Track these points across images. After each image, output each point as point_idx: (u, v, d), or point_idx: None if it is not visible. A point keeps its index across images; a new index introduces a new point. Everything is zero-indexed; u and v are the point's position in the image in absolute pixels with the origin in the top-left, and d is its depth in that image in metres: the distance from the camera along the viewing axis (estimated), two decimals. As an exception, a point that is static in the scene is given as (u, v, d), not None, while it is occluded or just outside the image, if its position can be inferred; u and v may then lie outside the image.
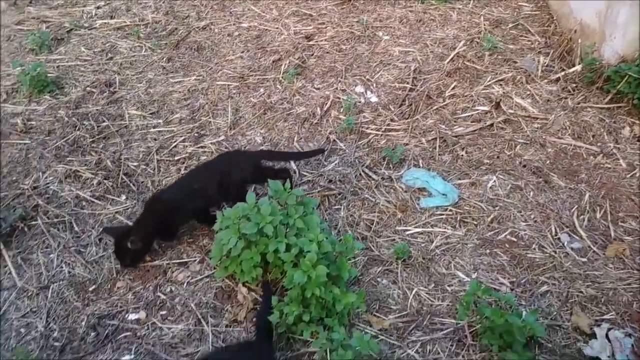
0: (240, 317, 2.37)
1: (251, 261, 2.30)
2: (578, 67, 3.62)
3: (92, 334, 2.31)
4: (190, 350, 2.25)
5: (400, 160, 3.11)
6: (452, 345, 2.28)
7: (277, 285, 2.45)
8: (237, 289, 2.48)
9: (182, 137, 3.30)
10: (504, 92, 3.53)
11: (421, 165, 3.12)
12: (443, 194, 2.93)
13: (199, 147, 3.23)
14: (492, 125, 3.34)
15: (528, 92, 3.54)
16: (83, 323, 2.34)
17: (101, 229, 2.67)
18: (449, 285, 2.51)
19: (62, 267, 2.56)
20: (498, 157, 3.16)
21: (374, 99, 3.60)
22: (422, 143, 3.25)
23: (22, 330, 2.33)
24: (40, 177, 2.99)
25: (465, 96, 3.54)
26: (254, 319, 2.32)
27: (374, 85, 3.70)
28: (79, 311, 2.39)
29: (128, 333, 2.31)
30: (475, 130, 3.32)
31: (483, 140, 3.27)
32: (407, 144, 3.23)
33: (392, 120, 3.42)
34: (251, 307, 2.40)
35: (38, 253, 2.61)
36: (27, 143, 3.22)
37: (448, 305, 2.43)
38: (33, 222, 2.74)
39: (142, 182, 3.00)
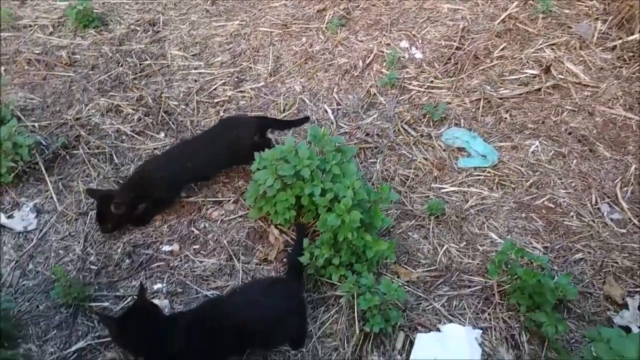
0: (271, 257, 2.40)
1: (286, 203, 2.31)
2: (637, 36, 3.43)
3: (127, 260, 2.38)
4: (220, 284, 2.30)
5: (441, 119, 3.05)
6: (478, 303, 2.27)
7: (308, 230, 2.46)
8: (269, 230, 2.50)
9: (222, 81, 3.29)
10: (555, 57, 3.38)
11: (462, 125, 3.05)
12: (482, 156, 2.87)
13: (238, 92, 3.23)
14: (539, 89, 3.22)
15: (581, 59, 3.39)
16: (119, 250, 2.41)
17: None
18: (480, 245, 2.48)
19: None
20: (543, 122, 3.06)
21: (418, 55, 3.50)
22: (465, 103, 3.17)
23: (61, 252, 2.42)
24: (82, 109, 3.05)
25: (514, 58, 3.41)
26: (285, 259, 2.35)
27: (420, 41, 3.59)
28: (115, 239, 2.46)
29: (161, 263, 2.37)
30: (521, 94, 3.21)
31: (529, 104, 3.16)
32: (449, 103, 3.16)
33: (435, 77, 3.33)
34: (282, 248, 2.43)
35: (78, 181, 2.68)
36: (71, 76, 3.27)
37: (478, 264, 2.41)
38: (75, 152, 2.80)
39: (182, 121, 3.02)
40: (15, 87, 3.18)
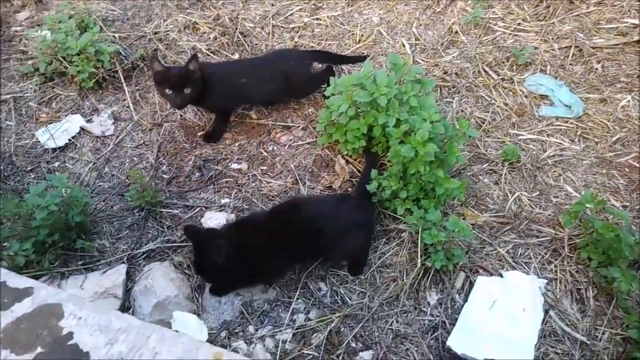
0: (335, 186, 2.40)
1: (357, 131, 2.27)
2: None
3: (197, 173, 2.44)
4: (284, 206, 2.32)
5: (525, 64, 2.86)
6: (545, 253, 2.19)
7: (377, 162, 2.42)
8: (335, 159, 2.49)
9: (299, 7, 3.21)
10: (662, 6, 3.07)
11: (548, 72, 2.85)
12: (567, 105, 2.69)
13: (314, 19, 3.14)
14: (639, 41, 2.95)
15: (692, 10, 3.06)
16: (190, 163, 2.47)
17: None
18: (554, 197, 2.37)
19: (174, 110, 2.67)
20: (639, 76, 2.82)
21: (507, -6, 3.27)
22: (553, 49, 2.95)
23: (135, 159, 2.50)
24: (161, 24, 3.07)
25: (614, 6, 3.13)
26: (352, 188, 2.34)
27: (510, -20, 3.34)
28: (187, 152, 2.52)
29: (229, 179, 2.42)
30: (617, 44, 2.95)
31: (624, 56, 2.91)
32: (536, 48, 2.95)
33: (524, 20, 3.11)
34: (347, 178, 2.42)
35: (154, 93, 2.73)
36: (151, -10, 3.28)
37: (549, 215, 2.31)
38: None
39: (256, 44, 2.99)
40: (98, -2, 3.23)
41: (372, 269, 2.12)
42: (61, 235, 2.04)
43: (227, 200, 2.33)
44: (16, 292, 1.17)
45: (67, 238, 2.08)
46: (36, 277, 1.99)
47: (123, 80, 2.74)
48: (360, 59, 2.77)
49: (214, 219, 2.18)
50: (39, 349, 1.08)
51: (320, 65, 2.70)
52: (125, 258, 2.08)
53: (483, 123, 2.63)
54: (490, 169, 2.46)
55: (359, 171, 2.43)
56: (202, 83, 2.31)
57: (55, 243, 2.02)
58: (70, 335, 1.10)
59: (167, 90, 2.26)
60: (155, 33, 3.00)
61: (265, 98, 2.61)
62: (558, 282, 2.10)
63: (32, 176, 2.41)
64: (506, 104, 2.72)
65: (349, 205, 2.09)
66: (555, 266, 2.15)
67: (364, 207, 2.12)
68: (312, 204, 2.15)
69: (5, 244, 1.98)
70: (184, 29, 3.03)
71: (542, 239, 2.23)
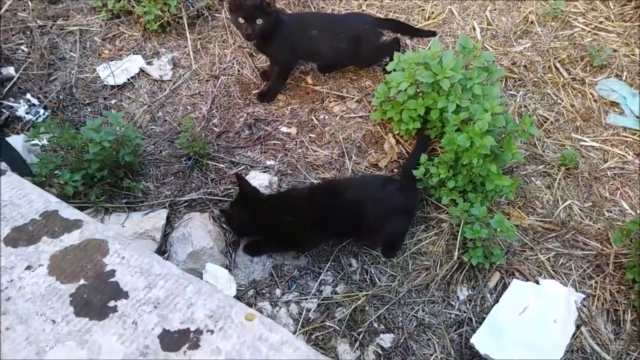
0: (381, 164, 2.36)
1: (413, 112, 2.21)
2: None
3: (247, 131, 2.44)
4: (327, 176, 2.31)
5: (601, 66, 2.70)
6: (588, 268, 2.11)
7: (427, 147, 2.37)
8: (385, 137, 2.44)
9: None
10: None
11: (624, 78, 2.69)
12: (637, 117, 2.54)
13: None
14: None
15: None
16: (241, 120, 2.47)
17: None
18: (607, 211, 2.27)
19: (233, 64, 2.66)
20: None
21: (593, -11, 3.07)
22: (634, 54, 2.77)
23: (189, 107, 2.52)
24: (231, -26, 3.03)
25: None
26: (399, 168, 2.30)
27: (600, -26, 3.13)
28: (240, 108, 2.52)
29: (277, 142, 2.41)
30: None
31: None
32: (615, 50, 2.78)
33: (606, 18, 2.92)
34: (394, 158, 2.37)
35: (215, 44, 2.73)
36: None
37: (599, 229, 2.22)
38: (217, 15, 2.83)
39: (322, 7, 2.93)
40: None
41: (405, 254, 2.10)
42: (110, 172, 2.09)
43: (272, 162, 2.34)
44: (66, 223, 1.21)
45: (115, 175, 2.13)
46: (81, 209, 2.06)
47: (187, 27, 2.74)
48: (431, 33, 2.69)
49: (257, 179, 2.18)
50: (82, 281, 1.13)
51: (387, 37, 2.63)
52: (167, 203, 2.13)
53: (545, 122, 2.52)
54: (545, 172, 2.37)
55: (407, 152, 2.38)
56: (275, 23, 2.29)
57: (104, 178, 2.08)
58: (112, 272, 1.13)
59: (240, 20, 2.24)
60: (223, -18, 2.96)
61: (329, 57, 2.55)
62: (596, 299, 2.03)
63: (89, 110, 2.47)
64: (573, 106, 2.59)
65: (392, 188, 2.06)
66: (596, 282, 2.07)
67: (407, 192, 2.09)
68: (356, 183, 2.14)
69: (56, 172, 2.05)
70: (253, -18, 2.98)
71: (587, 252, 2.15)
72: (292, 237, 1.99)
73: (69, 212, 1.26)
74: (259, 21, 2.24)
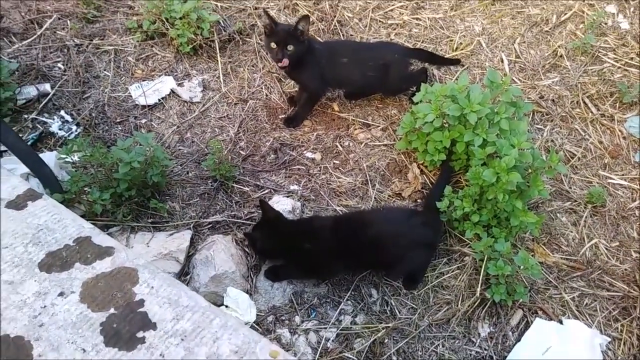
0: (405, 194, 2.36)
1: (439, 144, 2.22)
2: None
3: (272, 155, 2.47)
4: (350, 203, 2.31)
5: (631, 102, 2.68)
6: (614, 310, 2.07)
7: (452, 179, 2.36)
8: (410, 166, 2.44)
9: (401, 3, 3.14)
10: None
11: (655, 115, 2.66)
12: (668, 156, 2.50)
13: (414, 18, 3.07)
14: None
15: None
16: (267, 144, 2.50)
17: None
18: (635, 251, 2.23)
19: (261, 89, 2.71)
20: None
21: (625, 25, 3.05)
22: (665, 92, 2.74)
23: (217, 129, 2.56)
24: (263, 0, 3.10)
25: None
26: (423, 199, 2.30)
27: (632, 9, 3.11)
28: (266, 132, 2.55)
29: (302, 167, 2.43)
30: None
31: None
32: (646, 87, 2.75)
33: (638, 55, 2.90)
34: (418, 188, 2.37)
35: (245, 68, 2.78)
36: (258, -35, 3.31)
37: (626, 270, 2.18)
38: (248, 39, 2.89)
39: (352, 35, 2.96)
40: (207, -35, 3.29)
41: (427, 287, 2.08)
42: (138, 191, 2.13)
43: (296, 187, 2.35)
44: (99, 250, 1.24)
45: (143, 195, 2.17)
46: (108, 227, 2.11)
47: (218, 50, 2.80)
48: (456, 61, 2.73)
49: (281, 204, 2.20)
50: (112, 310, 1.14)
51: (415, 67, 2.66)
52: (191, 225, 2.15)
53: (572, 158, 2.50)
54: (571, 209, 2.34)
55: (431, 183, 2.38)
56: (307, 49, 2.33)
57: (131, 197, 2.12)
58: (141, 302, 1.15)
59: (272, 44, 2.30)
60: (256, 8, 3.03)
61: (358, 84, 2.59)
62: (622, 343, 1.99)
63: (120, 128, 2.52)
64: (601, 142, 2.56)
65: (415, 221, 2.05)
66: (622, 325, 2.03)
67: (430, 225, 2.08)
68: (379, 216, 2.14)
69: (86, 189, 2.09)
70: (284, 8, 3.04)
71: (613, 293, 2.11)
72: (313, 265, 2.00)
73: (101, 238, 1.29)
74: (290, 47, 2.29)
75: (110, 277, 1.19)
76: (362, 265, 2.05)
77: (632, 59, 2.88)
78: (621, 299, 2.10)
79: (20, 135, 2.38)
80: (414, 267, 2.06)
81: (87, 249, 1.24)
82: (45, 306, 1.14)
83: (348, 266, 2.02)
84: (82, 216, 2.08)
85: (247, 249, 2.11)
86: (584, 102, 2.69)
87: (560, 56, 2.90)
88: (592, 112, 2.66)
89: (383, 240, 1.95)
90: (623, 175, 2.45)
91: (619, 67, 2.85)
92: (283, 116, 2.60)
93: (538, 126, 2.61)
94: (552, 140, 2.55)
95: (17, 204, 1.35)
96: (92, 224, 2.06)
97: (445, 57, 2.82)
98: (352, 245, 1.93)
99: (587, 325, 2.02)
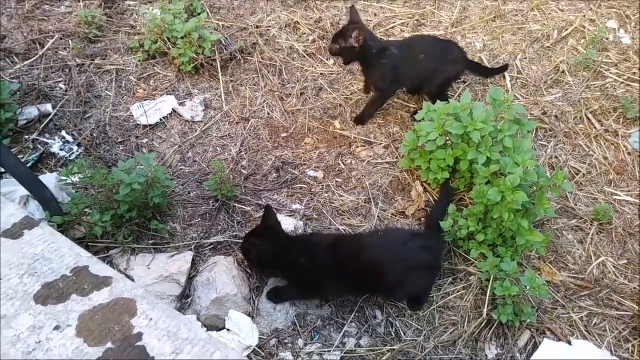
0: (409, 212, 2.33)
1: (442, 162, 2.20)
2: None
3: (275, 174, 2.45)
4: (353, 222, 2.29)
5: (635, 118, 2.66)
6: (624, 330, 2.03)
7: (455, 197, 2.34)
8: (413, 184, 2.42)
9: (402, 21, 3.15)
10: None
11: (659, 131, 2.64)
12: (674, 171, 2.47)
13: (415, 35, 3.07)
14: None
15: None
16: (269, 162, 2.48)
17: None
18: (643, 269, 2.19)
19: (263, 107, 2.70)
20: None
21: (626, 40, 3.05)
22: (669, 107, 2.72)
23: (219, 149, 2.55)
24: (264, 18, 3.11)
25: None
26: (424, 218, 2.27)
27: (633, 25, 3.11)
28: (268, 151, 2.53)
29: (304, 186, 2.41)
30: None
31: None
32: (650, 102, 2.73)
33: (640, 70, 2.89)
34: (422, 206, 2.34)
35: (247, 87, 2.77)
36: (260, -16, 3.33)
37: (635, 288, 2.14)
38: (249, 58, 2.89)
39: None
40: (209, -16, 3.31)
41: (432, 308, 2.05)
42: (139, 213, 2.11)
43: (298, 206, 2.33)
44: (96, 280, 1.21)
45: (144, 216, 2.15)
46: (109, 249, 2.09)
47: (219, 70, 2.80)
48: (503, 69, 2.77)
49: (283, 223, 2.16)
50: (109, 344, 1.11)
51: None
52: (193, 246, 2.13)
53: (577, 175, 2.47)
54: (577, 226, 2.31)
55: (435, 200, 2.35)
56: (375, 52, 2.43)
57: (132, 219, 2.10)
58: (139, 336, 1.12)
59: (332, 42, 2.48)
60: (257, 27, 3.04)
61: (420, 83, 2.61)
62: (633, 364, 1.94)
63: (121, 148, 2.51)
64: (606, 158, 2.54)
65: (416, 244, 1.97)
66: (634, 346, 1.99)
67: (432, 247, 2.02)
68: (380, 240, 2.07)
69: (87, 210, 2.07)
70: (285, 26, 3.05)
71: (622, 312, 2.07)
72: (309, 282, 1.96)
73: (99, 268, 1.26)
74: (336, 45, 2.44)
75: (108, 309, 1.16)
76: (362, 289, 2.01)
77: (634, 74, 2.87)
78: (631, 318, 2.06)
79: (21, 156, 2.37)
80: (416, 291, 2.02)
81: (84, 279, 1.22)
82: (40, 341, 1.11)
83: (347, 287, 1.98)
84: (83, 238, 2.07)
85: (249, 270, 2.09)
86: (588, 118, 2.68)
87: (563, 72, 2.89)
88: (595, 127, 2.64)
89: (382, 267, 1.88)
90: (629, 191, 2.43)
91: (622, 83, 2.83)
92: (284, 135, 2.59)
93: (542, 142, 2.59)
94: (556, 157, 2.53)
95: (14, 233, 1.32)
96: (93, 246, 2.06)
97: (481, 64, 2.86)
98: (350, 268, 1.89)
99: (596, 345, 1.98)
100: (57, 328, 1.12)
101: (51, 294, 1.18)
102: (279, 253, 1.91)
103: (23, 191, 2.01)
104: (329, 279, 1.92)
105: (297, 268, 1.92)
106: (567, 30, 3.09)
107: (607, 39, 3.05)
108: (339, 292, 2.02)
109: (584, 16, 3.17)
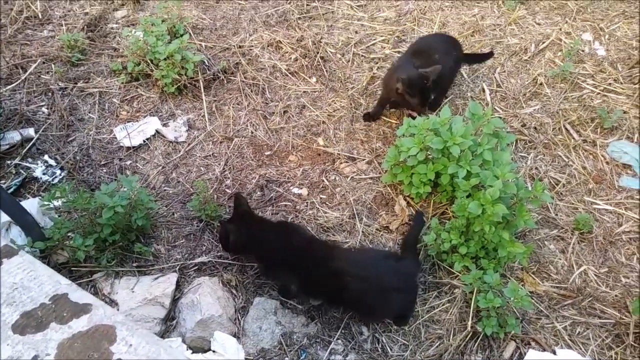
0: (392, 227, 2.35)
1: (424, 176, 2.22)
2: None
3: (259, 193, 2.46)
4: (338, 238, 2.30)
5: (612, 128, 2.71)
6: (607, 337, 2.05)
7: (438, 210, 2.37)
8: (396, 199, 2.44)
9: (383, 37, 3.20)
10: None
11: (635, 140, 2.69)
12: (651, 179, 2.52)
13: (395, 51, 3.12)
14: None
15: None
16: (253, 181, 2.50)
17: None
18: (624, 277, 2.22)
19: (247, 126, 2.72)
20: None
21: (601, 52, 3.12)
22: (644, 116, 2.78)
23: (202, 169, 2.56)
24: (246, 38, 3.14)
25: None
26: (402, 238, 2.29)
27: (607, 37, 3.19)
28: (252, 169, 2.55)
29: (288, 203, 2.42)
30: None
31: None
32: (625, 112, 2.79)
33: (615, 80, 2.95)
34: (405, 221, 2.37)
35: (230, 106, 2.79)
36: (241, 4, 3.37)
37: (616, 296, 2.17)
38: (232, 77, 2.91)
39: (334, 70, 3.00)
40: (191, 5, 3.35)
41: (418, 322, 2.06)
42: (122, 235, 2.11)
43: (283, 224, 2.33)
44: (75, 307, 1.21)
45: (127, 239, 2.15)
46: (92, 273, 2.08)
47: (202, 90, 2.82)
48: (489, 55, 2.92)
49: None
50: (88, 374, 1.10)
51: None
52: (177, 267, 2.13)
53: (557, 185, 2.51)
54: (558, 236, 2.34)
55: (409, 227, 2.36)
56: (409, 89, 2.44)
57: (115, 242, 2.09)
58: (118, 363, 1.11)
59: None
60: (240, 47, 3.07)
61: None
62: (617, 371, 1.96)
63: (105, 170, 2.51)
64: (584, 168, 2.58)
65: (388, 265, 1.98)
66: (616, 353, 2.01)
67: (407, 268, 2.03)
68: (352, 254, 2.11)
69: (69, 235, 2.07)
70: (268, 46, 3.08)
71: (605, 320, 2.10)
72: (276, 264, 1.99)
73: (78, 295, 1.26)
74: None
75: (87, 337, 1.16)
76: (340, 305, 2.02)
77: (610, 84, 2.93)
78: (613, 326, 2.08)
79: (3, 181, 2.36)
80: (395, 311, 2.03)
81: (63, 307, 1.21)
82: (16, 374, 1.10)
83: (308, 287, 1.98)
84: (66, 263, 2.06)
85: (234, 291, 2.09)
86: (566, 129, 2.73)
87: (541, 84, 2.94)
88: (574, 138, 2.69)
89: (344, 279, 1.88)
90: (608, 200, 2.47)
91: (598, 93, 2.89)
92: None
93: (522, 154, 2.63)
94: (536, 168, 2.57)
95: (-8, 262, 1.32)
96: (76, 270, 2.05)
97: (471, 52, 3.01)
98: (315, 271, 1.91)
99: (580, 354, 2.00)
100: (35, 358, 1.12)
101: (30, 322, 1.18)
102: (256, 232, 1.97)
103: (5, 217, 2.00)
104: (293, 271, 1.95)
105: (269, 247, 1.96)
106: (544, 43, 3.16)
107: (583, 51, 3.12)
108: (301, 289, 2.02)
109: (560, 29, 3.24)
